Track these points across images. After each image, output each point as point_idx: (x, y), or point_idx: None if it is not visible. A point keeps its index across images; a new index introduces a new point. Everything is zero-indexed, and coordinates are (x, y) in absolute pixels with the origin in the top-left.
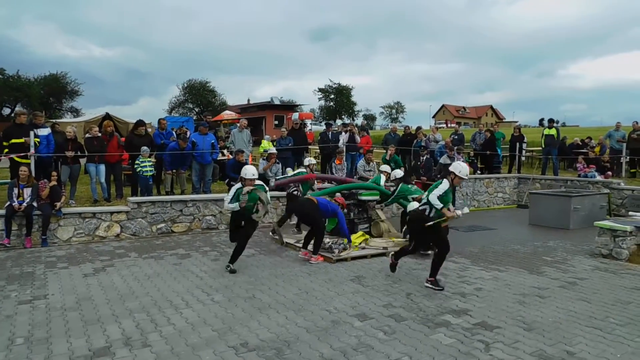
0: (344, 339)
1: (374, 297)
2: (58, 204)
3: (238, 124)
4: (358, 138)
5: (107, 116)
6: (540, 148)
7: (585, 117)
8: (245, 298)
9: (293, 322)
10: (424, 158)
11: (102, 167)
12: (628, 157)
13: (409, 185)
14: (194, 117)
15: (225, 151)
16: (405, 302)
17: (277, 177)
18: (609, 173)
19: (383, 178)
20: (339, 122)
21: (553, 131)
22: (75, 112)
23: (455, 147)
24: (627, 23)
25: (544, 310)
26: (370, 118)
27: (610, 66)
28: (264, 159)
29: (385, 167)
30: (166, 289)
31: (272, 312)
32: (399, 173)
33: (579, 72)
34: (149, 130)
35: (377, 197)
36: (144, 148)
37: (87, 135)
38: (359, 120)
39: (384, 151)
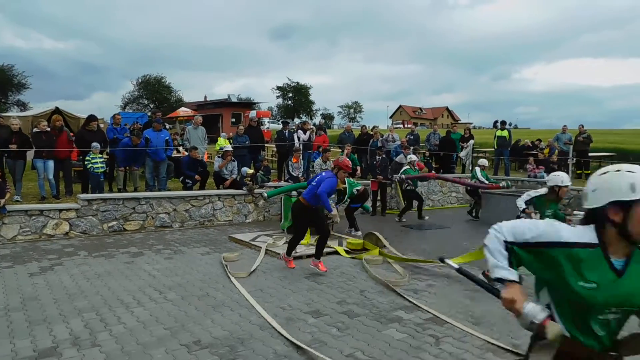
0: (297, 335)
1: (329, 294)
2: (2, 201)
3: (193, 121)
4: (313, 136)
5: (57, 110)
6: (492, 149)
7: (537, 120)
8: (199, 296)
9: (247, 319)
10: (380, 158)
11: (51, 163)
12: (574, 159)
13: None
14: (149, 114)
15: (180, 148)
16: (359, 298)
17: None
18: None
19: (478, 170)
20: (297, 120)
21: (505, 133)
22: (23, 105)
23: (412, 147)
24: (578, 30)
25: (493, 306)
26: (328, 117)
27: (561, 71)
28: (219, 157)
29: (483, 161)
30: (117, 287)
31: (226, 310)
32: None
33: (532, 76)
34: (102, 125)
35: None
36: (95, 144)
37: (35, 129)
38: (317, 120)
39: (340, 150)
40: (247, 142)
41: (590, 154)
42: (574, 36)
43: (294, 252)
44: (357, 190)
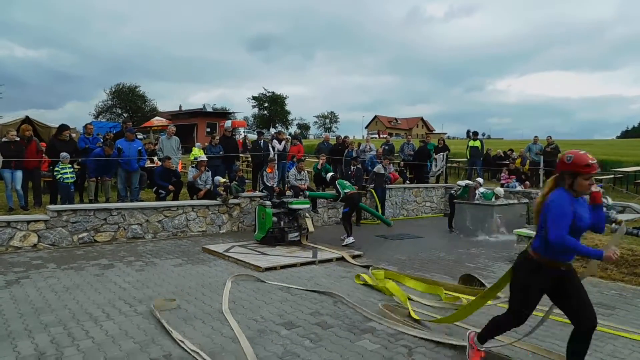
0: (270, 347)
1: (302, 305)
2: None
3: (166, 131)
4: (287, 146)
5: (27, 120)
6: (466, 159)
7: (510, 130)
8: (170, 309)
9: (219, 332)
10: (355, 168)
11: (19, 173)
12: (544, 169)
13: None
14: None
15: (155, 158)
16: (333, 309)
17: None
18: (527, 183)
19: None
20: (272, 130)
21: (477, 143)
22: None
23: (388, 157)
24: (549, 44)
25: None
26: (304, 127)
27: (533, 83)
28: (193, 167)
29: (499, 190)
30: (86, 301)
31: (198, 322)
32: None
33: (505, 88)
34: (74, 135)
35: (308, 206)
36: (64, 154)
37: (4, 139)
38: (293, 129)
39: (317, 160)
40: (220, 153)
41: None
42: (545, 49)
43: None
44: (345, 192)
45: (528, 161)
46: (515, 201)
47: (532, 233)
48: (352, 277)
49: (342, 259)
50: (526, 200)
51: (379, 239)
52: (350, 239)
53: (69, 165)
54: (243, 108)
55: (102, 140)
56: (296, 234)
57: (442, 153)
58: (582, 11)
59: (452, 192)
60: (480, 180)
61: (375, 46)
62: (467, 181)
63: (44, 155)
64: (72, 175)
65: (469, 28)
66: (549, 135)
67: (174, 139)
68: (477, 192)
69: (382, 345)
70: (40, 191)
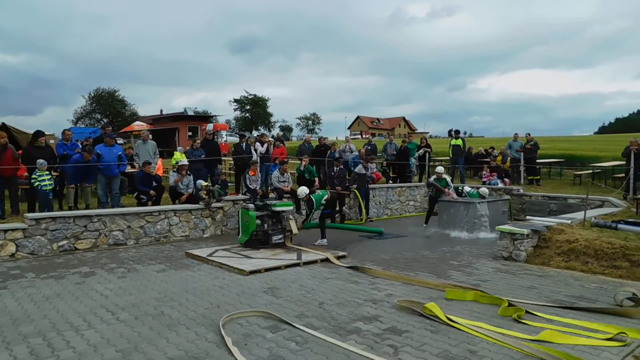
0: (255, 351)
1: (287, 307)
2: None
3: (141, 135)
4: (271, 149)
5: (3, 126)
6: (448, 157)
7: (491, 128)
8: (153, 315)
9: (203, 337)
10: (338, 169)
11: None
12: (524, 166)
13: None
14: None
15: (135, 163)
16: (318, 311)
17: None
18: (507, 180)
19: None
20: (255, 133)
21: (459, 142)
22: None
23: (369, 157)
24: (529, 43)
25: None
26: (286, 129)
27: (513, 82)
28: (174, 171)
29: (484, 191)
30: (67, 310)
31: (182, 328)
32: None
33: (486, 86)
34: (51, 141)
35: (291, 208)
36: (40, 161)
37: None
38: (275, 131)
39: (299, 162)
40: (202, 156)
41: (540, 160)
42: (525, 49)
43: None
44: (325, 200)
45: (509, 158)
46: (498, 198)
47: (515, 229)
48: (337, 278)
49: (327, 260)
50: (507, 197)
51: (363, 239)
52: (325, 241)
53: (47, 172)
54: (226, 111)
55: (80, 146)
56: (280, 236)
57: (422, 149)
58: (561, 11)
59: (430, 180)
60: (440, 169)
61: (359, 47)
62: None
63: (20, 162)
64: (50, 183)
65: (451, 28)
66: (527, 133)
67: (150, 143)
68: (463, 191)
69: (368, 346)
70: (17, 199)
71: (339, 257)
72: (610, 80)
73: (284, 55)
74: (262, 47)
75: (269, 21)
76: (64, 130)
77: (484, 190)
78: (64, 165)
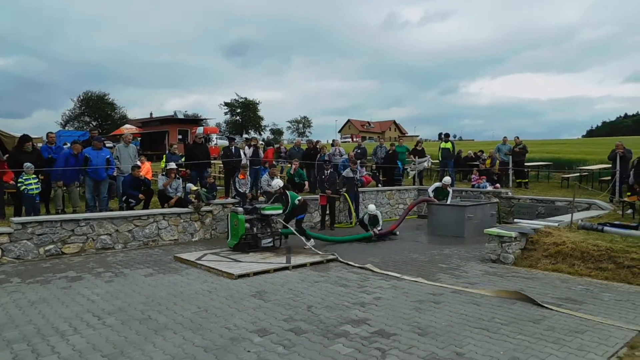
0: (242, 355)
1: (275, 311)
2: None
3: (123, 138)
4: (261, 152)
5: None
6: (438, 161)
7: (482, 132)
8: (140, 320)
9: (190, 342)
10: (328, 172)
11: None
12: (513, 169)
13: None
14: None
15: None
16: (306, 314)
17: None
18: (497, 185)
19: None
20: (245, 136)
21: (449, 145)
22: None
23: (359, 160)
24: (520, 48)
25: (437, 315)
26: (277, 132)
27: (504, 86)
28: (162, 175)
29: (447, 180)
30: (52, 315)
31: (169, 333)
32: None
33: (478, 90)
34: (39, 145)
35: (280, 211)
36: (27, 164)
37: None
38: (266, 135)
39: (289, 165)
40: (181, 161)
41: (528, 164)
42: (516, 53)
43: None
44: (298, 201)
45: (498, 161)
46: (486, 201)
47: (503, 232)
48: (325, 281)
49: (316, 263)
50: (496, 200)
51: (353, 242)
52: (312, 241)
53: (34, 176)
54: (217, 114)
55: (66, 148)
56: (269, 239)
57: (424, 158)
58: (551, 16)
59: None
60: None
61: (353, 51)
62: (437, 183)
63: (7, 166)
64: (37, 186)
65: (444, 33)
66: (516, 136)
67: (131, 146)
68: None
69: (356, 349)
70: (3, 203)
71: (328, 260)
72: (599, 84)
73: (278, 59)
74: (256, 51)
75: (263, 25)
76: (48, 133)
77: (447, 179)
78: (52, 169)
